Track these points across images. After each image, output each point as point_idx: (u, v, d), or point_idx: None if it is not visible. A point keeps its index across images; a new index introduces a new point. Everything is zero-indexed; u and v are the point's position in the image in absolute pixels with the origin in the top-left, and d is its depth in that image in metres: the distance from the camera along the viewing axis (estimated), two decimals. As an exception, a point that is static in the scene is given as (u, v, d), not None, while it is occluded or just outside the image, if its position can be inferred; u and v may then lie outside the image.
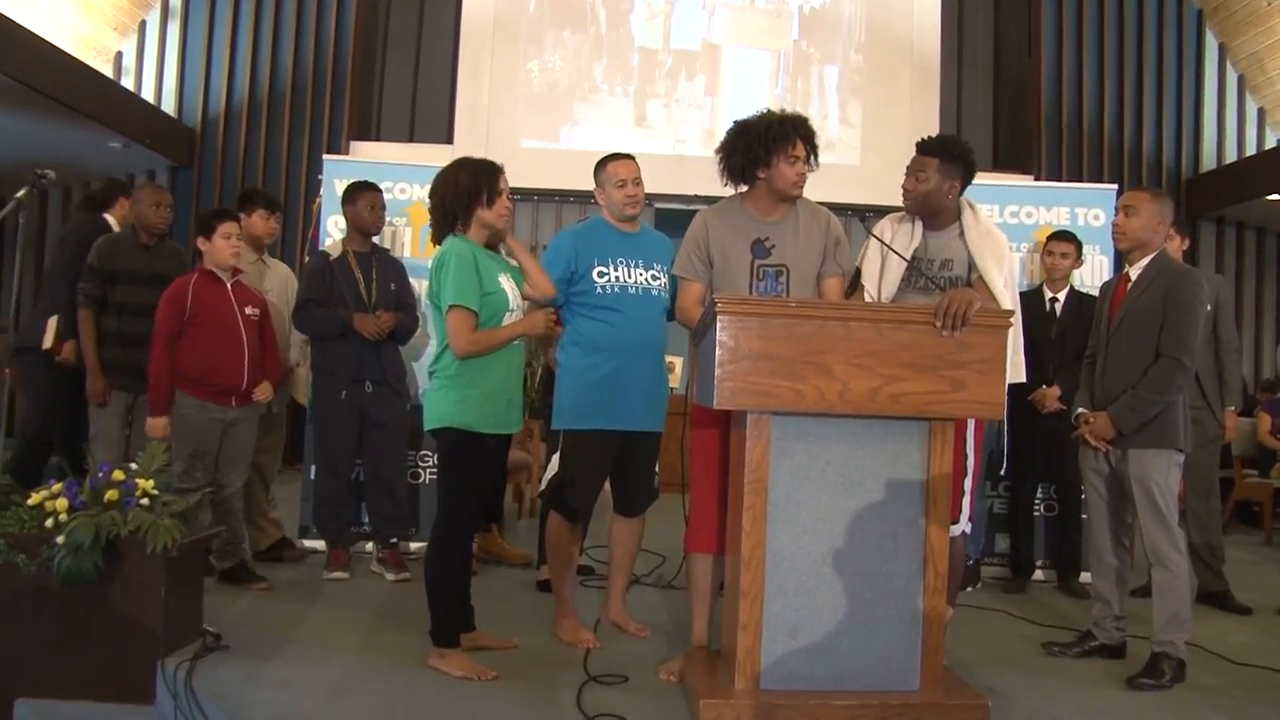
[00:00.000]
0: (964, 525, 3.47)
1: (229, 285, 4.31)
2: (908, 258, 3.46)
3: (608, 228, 3.80)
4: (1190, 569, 3.59)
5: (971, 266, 3.44)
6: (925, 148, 3.48)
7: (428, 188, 3.54)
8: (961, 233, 3.48)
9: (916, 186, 3.46)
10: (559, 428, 3.79)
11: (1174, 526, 3.51)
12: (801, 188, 3.40)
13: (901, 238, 3.52)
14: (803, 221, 3.44)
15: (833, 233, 3.47)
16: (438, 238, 3.44)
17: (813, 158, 3.41)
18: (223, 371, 4.21)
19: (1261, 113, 9.80)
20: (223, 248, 4.26)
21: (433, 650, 3.35)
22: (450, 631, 3.36)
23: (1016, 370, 3.47)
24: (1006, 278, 3.44)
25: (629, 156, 3.82)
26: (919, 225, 3.52)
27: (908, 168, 3.50)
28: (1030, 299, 4.86)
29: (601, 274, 3.69)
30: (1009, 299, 3.39)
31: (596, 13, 9.68)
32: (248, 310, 4.34)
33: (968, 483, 3.45)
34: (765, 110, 3.46)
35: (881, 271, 3.53)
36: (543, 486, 4.20)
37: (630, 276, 3.71)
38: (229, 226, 4.28)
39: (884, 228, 3.60)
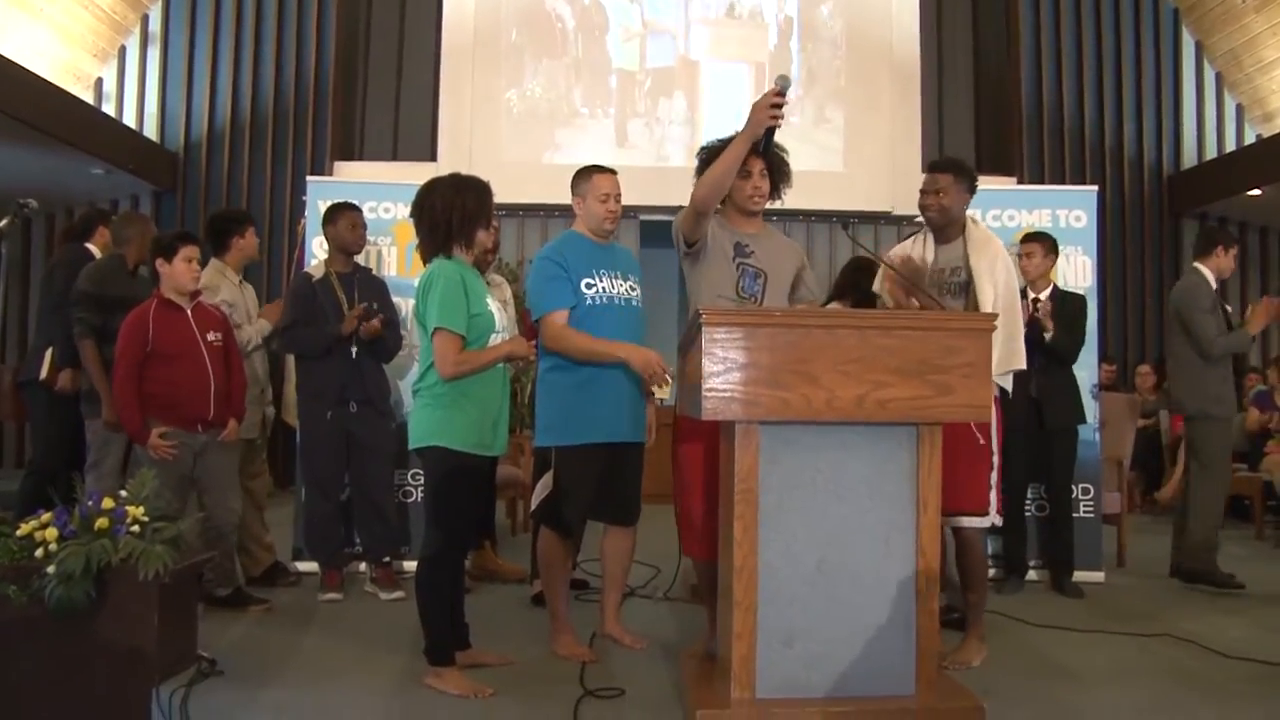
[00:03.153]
0: (994, 518, 3.60)
1: (189, 311, 4.21)
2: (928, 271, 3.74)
3: (585, 240, 3.80)
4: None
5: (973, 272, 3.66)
6: (940, 166, 3.80)
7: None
8: (965, 244, 3.71)
9: (939, 201, 3.73)
10: (544, 444, 3.77)
11: None
12: (758, 201, 3.51)
13: (916, 253, 3.81)
14: (777, 239, 3.67)
15: (803, 259, 3.68)
16: (427, 256, 3.41)
17: (780, 182, 3.55)
18: (190, 403, 4.15)
19: (1240, 109, 9.87)
20: (184, 271, 4.16)
21: (429, 669, 3.34)
22: (444, 650, 3.35)
23: (1017, 357, 3.65)
24: (1003, 279, 3.64)
25: (613, 171, 3.82)
26: (930, 241, 3.79)
27: (923, 188, 3.77)
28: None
29: (589, 285, 3.70)
30: (1000, 302, 3.58)
31: (572, 37, 9.66)
32: (210, 337, 4.23)
33: (993, 476, 3.57)
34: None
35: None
36: (535, 504, 4.17)
37: (614, 288, 3.73)
38: (191, 250, 4.18)
39: (904, 248, 3.89)
